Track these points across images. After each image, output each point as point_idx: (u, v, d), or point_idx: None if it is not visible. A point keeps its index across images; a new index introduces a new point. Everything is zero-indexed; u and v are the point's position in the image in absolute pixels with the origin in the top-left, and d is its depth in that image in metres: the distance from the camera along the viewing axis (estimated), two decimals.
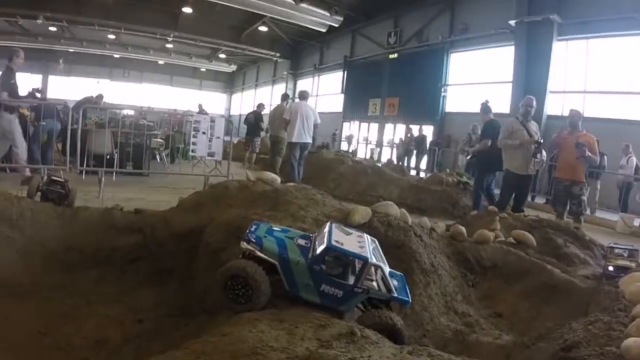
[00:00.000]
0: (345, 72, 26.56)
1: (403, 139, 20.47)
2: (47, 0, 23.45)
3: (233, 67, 40.26)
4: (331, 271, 2.37)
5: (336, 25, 23.33)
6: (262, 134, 14.07)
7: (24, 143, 7.90)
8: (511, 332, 3.25)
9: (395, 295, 2.41)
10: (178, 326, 3.17)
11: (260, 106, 14.22)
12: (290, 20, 22.97)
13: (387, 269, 2.45)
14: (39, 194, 4.45)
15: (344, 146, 25.36)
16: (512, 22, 15.86)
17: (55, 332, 3.42)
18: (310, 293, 2.33)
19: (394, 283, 2.48)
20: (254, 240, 2.42)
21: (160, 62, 39.06)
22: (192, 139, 8.21)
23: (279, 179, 4.09)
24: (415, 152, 18.94)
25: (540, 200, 12.48)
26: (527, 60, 15.62)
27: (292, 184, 4.22)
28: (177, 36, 28.97)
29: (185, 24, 26.95)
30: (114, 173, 8.77)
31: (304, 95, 9.76)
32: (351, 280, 2.35)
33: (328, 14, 22.18)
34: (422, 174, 16.53)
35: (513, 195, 7.52)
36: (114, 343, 3.32)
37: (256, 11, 22.10)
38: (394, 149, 21.45)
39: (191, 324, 3.10)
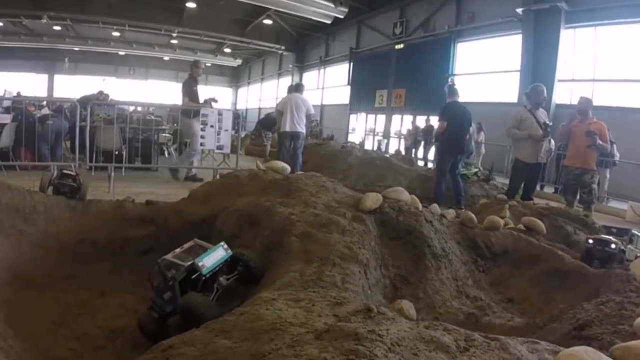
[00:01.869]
0: (352, 64, 26.47)
1: (410, 129, 20.44)
2: None
3: (238, 62, 40.24)
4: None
5: (341, 17, 23.21)
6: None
7: (199, 147, 8.65)
8: (522, 316, 3.26)
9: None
10: None
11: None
12: (295, 13, 22.88)
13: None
14: (51, 187, 4.50)
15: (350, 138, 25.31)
16: (520, 10, 15.75)
17: (70, 322, 3.46)
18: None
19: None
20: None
21: (166, 58, 39.09)
22: (201, 132, 8.23)
23: (289, 168, 4.11)
24: (423, 142, 18.88)
25: (549, 189, 12.41)
26: (534, 48, 15.52)
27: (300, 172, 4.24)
28: (182, 32, 28.98)
29: (190, 19, 26.94)
30: (123, 168, 8.85)
31: (297, 88, 10.08)
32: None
33: (333, 5, 22.06)
34: (430, 165, 16.49)
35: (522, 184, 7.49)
36: (128, 332, 3.36)
37: (260, 4, 22.04)
38: (401, 140, 21.41)
39: None
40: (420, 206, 3.49)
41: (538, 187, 10.58)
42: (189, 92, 8.80)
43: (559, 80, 15.17)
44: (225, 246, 2.86)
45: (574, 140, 7.39)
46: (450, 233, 3.64)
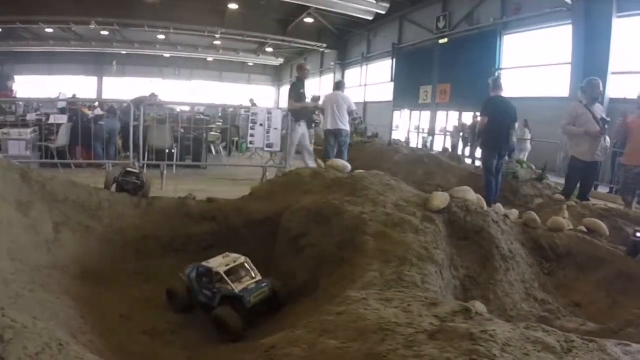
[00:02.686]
0: (394, 60, 26.21)
1: (457, 126, 20.09)
2: (98, 5, 24.30)
3: (280, 60, 40.50)
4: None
5: (383, 13, 22.99)
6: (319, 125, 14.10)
7: (292, 152, 8.89)
8: (591, 321, 3.16)
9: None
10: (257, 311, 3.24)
11: (315, 99, 14.30)
12: (336, 10, 22.83)
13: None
14: (114, 185, 4.65)
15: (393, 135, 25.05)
16: (569, 0, 15.19)
17: (138, 316, 3.55)
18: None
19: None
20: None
21: (209, 59, 39.82)
22: (250, 131, 8.34)
23: (349, 166, 4.11)
24: (470, 140, 18.46)
25: (603, 189, 11.91)
26: (585, 39, 14.91)
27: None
28: (225, 33, 29.39)
29: (232, 20, 27.31)
30: (174, 166, 9.07)
31: (337, 86, 10.19)
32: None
33: (374, 1, 21.89)
34: (477, 163, 16.14)
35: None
36: (195, 327, 3.43)
37: (301, 3, 22.12)
38: (447, 138, 21.05)
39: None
40: (485, 206, 3.43)
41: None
42: (295, 94, 9.03)
43: (613, 73, 14.54)
44: (271, 285, 3.21)
45: (632, 137, 7.08)
46: (514, 234, 3.56)
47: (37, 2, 22.95)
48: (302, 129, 8.78)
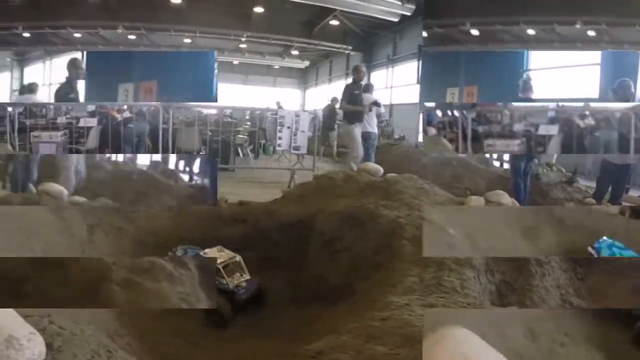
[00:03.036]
0: (420, 62, 25.97)
1: None
2: (125, 10, 24.71)
3: (306, 63, 40.44)
4: None
5: (408, 14, 22.85)
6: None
7: (360, 153, 8.71)
8: None
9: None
10: (289, 314, 3.25)
11: (334, 100, 14.25)
12: (362, 12, 22.73)
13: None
14: None
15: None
16: None
17: (168, 318, 3.59)
18: None
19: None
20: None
21: (235, 62, 40.06)
22: (278, 134, 8.37)
23: (381, 170, 4.09)
24: None
25: (635, 192, 11.58)
26: None
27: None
28: (250, 36, 29.49)
29: (257, 23, 27.43)
30: None
31: (367, 88, 10.07)
32: None
33: (400, 3, 21.74)
34: (505, 165, 15.83)
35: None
36: (223, 330, 3.45)
37: (327, 5, 22.08)
38: None
39: (302, 312, 3.17)
40: None
41: None
42: (347, 95, 8.95)
43: None
44: (256, 285, 3.60)
45: None
46: None
47: (65, 7, 23.49)
48: (358, 130, 8.69)
